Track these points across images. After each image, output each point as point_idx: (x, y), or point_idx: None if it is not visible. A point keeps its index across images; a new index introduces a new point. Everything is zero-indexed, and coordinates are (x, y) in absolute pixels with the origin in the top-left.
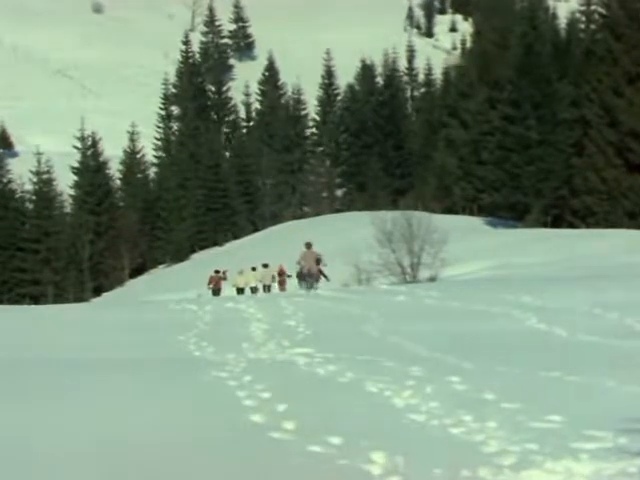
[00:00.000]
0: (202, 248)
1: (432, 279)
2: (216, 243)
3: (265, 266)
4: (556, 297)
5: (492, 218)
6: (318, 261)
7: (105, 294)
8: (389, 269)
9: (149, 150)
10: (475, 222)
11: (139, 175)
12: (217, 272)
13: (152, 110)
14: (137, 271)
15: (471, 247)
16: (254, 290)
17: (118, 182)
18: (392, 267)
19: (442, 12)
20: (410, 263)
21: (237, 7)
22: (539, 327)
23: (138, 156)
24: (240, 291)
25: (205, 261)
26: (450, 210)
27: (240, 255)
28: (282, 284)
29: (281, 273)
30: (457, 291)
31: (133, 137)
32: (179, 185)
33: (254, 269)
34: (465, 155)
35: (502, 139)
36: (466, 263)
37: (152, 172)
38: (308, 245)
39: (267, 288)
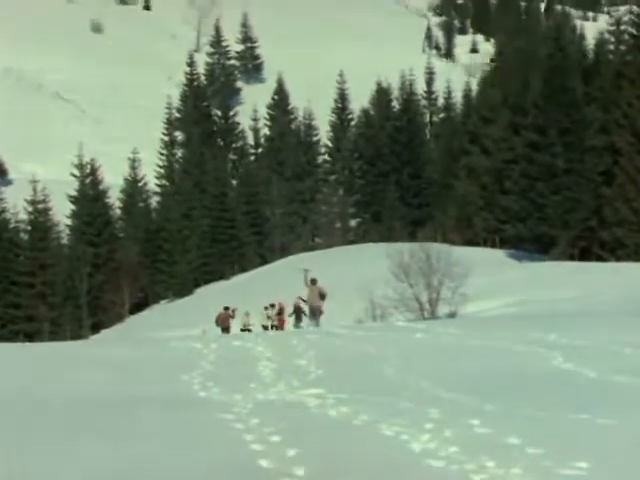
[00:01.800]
0: (207, 282)
1: (452, 315)
2: (222, 277)
3: (269, 307)
4: (584, 334)
5: (516, 251)
6: (322, 296)
7: (104, 331)
8: (406, 305)
9: (151, 178)
10: (498, 255)
11: (140, 204)
12: (226, 309)
13: (154, 136)
14: (138, 307)
15: (493, 281)
16: (264, 328)
17: (118, 212)
18: (409, 302)
19: (462, 32)
20: (428, 298)
21: (245, 27)
22: (566, 366)
23: (139, 184)
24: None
25: (210, 296)
26: (471, 242)
27: (248, 289)
28: (281, 323)
29: (280, 312)
30: (478, 328)
31: (134, 164)
32: (183, 215)
33: (266, 308)
34: (487, 184)
35: (526, 167)
36: (488, 299)
37: (154, 201)
38: (313, 281)
39: (265, 328)
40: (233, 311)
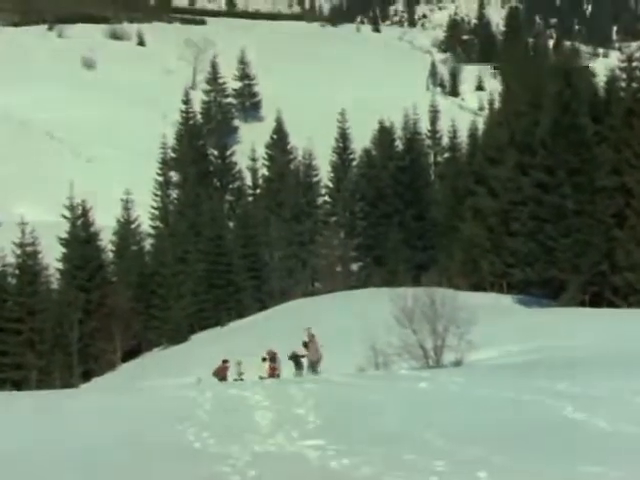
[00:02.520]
0: (203, 328)
1: (457, 363)
2: (218, 323)
3: (269, 359)
4: (595, 384)
5: (524, 296)
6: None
7: (95, 379)
8: (410, 352)
9: (145, 220)
10: (505, 300)
11: (133, 247)
12: (225, 362)
13: (148, 176)
14: (130, 354)
15: (501, 328)
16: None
17: (110, 255)
18: (413, 350)
19: (468, 61)
20: (433, 345)
21: (242, 63)
22: (576, 417)
23: (133, 226)
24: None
25: (206, 343)
26: (477, 287)
27: (245, 336)
28: (273, 372)
29: (273, 358)
30: (485, 377)
31: (127, 205)
32: (178, 259)
33: (264, 359)
34: (494, 226)
35: (535, 208)
36: (495, 346)
37: (148, 244)
38: (312, 336)
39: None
40: (239, 364)
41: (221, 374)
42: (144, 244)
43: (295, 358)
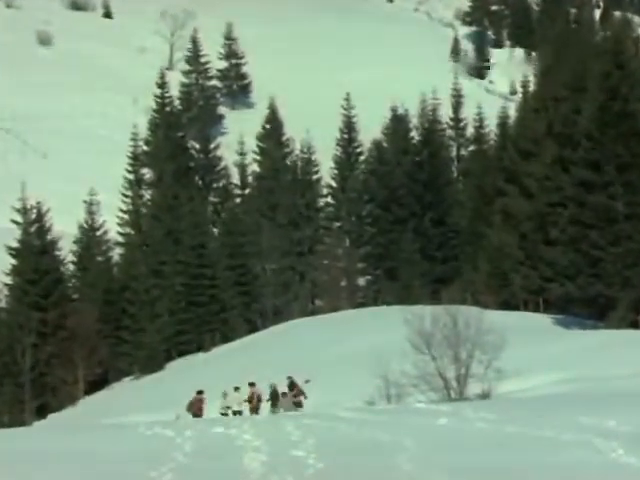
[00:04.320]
0: (182, 354)
1: (485, 396)
2: (200, 348)
3: (252, 385)
4: None
5: (564, 316)
6: (298, 404)
7: (52, 415)
8: (428, 382)
9: (112, 225)
10: (542, 321)
11: (99, 258)
12: (200, 393)
13: (117, 173)
14: (95, 385)
15: (536, 354)
16: (237, 413)
17: (71, 267)
18: (432, 379)
19: (498, 45)
20: (456, 375)
21: (229, 39)
22: (628, 461)
23: (98, 233)
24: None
25: (185, 371)
26: (508, 305)
27: (232, 364)
28: (254, 409)
29: (251, 399)
30: (517, 412)
31: (91, 208)
32: (152, 271)
33: (237, 389)
34: (528, 232)
35: (577, 211)
36: (530, 375)
37: (116, 254)
38: (284, 394)
39: (237, 414)
40: (225, 396)
41: (195, 408)
42: (112, 254)
43: (274, 397)
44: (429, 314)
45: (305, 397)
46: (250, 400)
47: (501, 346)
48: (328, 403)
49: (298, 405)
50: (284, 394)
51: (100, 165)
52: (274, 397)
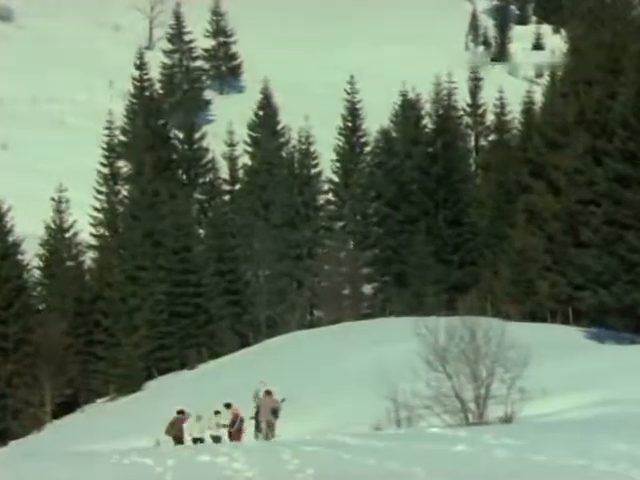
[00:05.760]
0: (163, 372)
1: (507, 420)
2: (185, 365)
3: (228, 406)
4: None
5: (597, 328)
6: (275, 412)
7: (13, 443)
8: (442, 404)
9: (84, 226)
10: (572, 334)
11: (69, 263)
12: (181, 413)
13: (89, 167)
14: (64, 408)
15: (565, 372)
16: (215, 439)
17: (37, 273)
18: (447, 401)
19: (522, 22)
20: (474, 395)
21: (217, 15)
22: None
23: (68, 235)
24: (197, 441)
25: (167, 392)
26: (533, 315)
27: (221, 383)
28: (236, 435)
29: (233, 422)
30: (544, 438)
31: (60, 207)
32: (129, 278)
33: (217, 412)
34: (556, 234)
35: (612, 210)
36: (558, 396)
37: (89, 258)
38: (268, 392)
39: (216, 439)
40: (199, 419)
41: (175, 430)
42: (83, 258)
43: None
44: (444, 326)
45: (276, 415)
46: (232, 424)
47: (525, 363)
48: (329, 427)
49: (275, 414)
50: (268, 392)
51: (69, 157)
52: (257, 420)
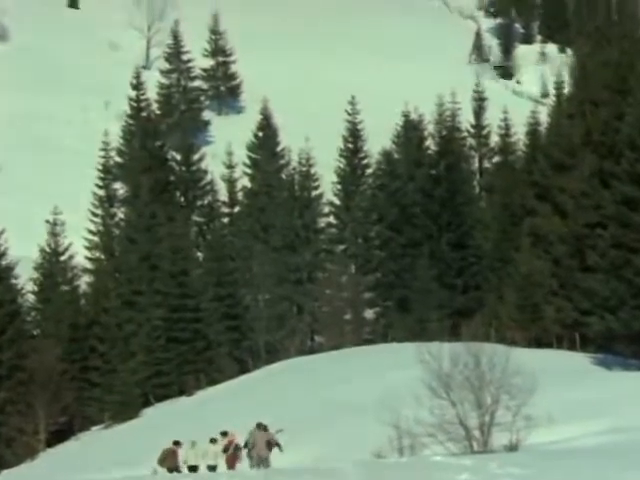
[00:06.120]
0: (161, 399)
1: (512, 448)
2: (183, 391)
3: (224, 434)
4: None
5: (604, 354)
6: (270, 445)
7: (6, 472)
8: (446, 431)
9: (80, 249)
10: (578, 360)
11: (64, 287)
12: (177, 444)
13: (85, 189)
14: (59, 435)
15: (573, 399)
16: (210, 468)
17: (31, 298)
18: (451, 428)
19: (527, 41)
20: (479, 423)
21: (216, 34)
22: None
23: (63, 258)
24: (192, 469)
25: (165, 419)
26: (539, 341)
27: (219, 410)
28: (231, 462)
29: (227, 448)
30: (550, 467)
31: (55, 229)
32: (126, 303)
33: (214, 441)
34: (562, 258)
35: (619, 233)
36: (565, 424)
37: (84, 283)
38: (259, 426)
39: (211, 468)
40: (194, 445)
41: (169, 461)
42: (79, 283)
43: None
44: (447, 352)
45: (280, 449)
46: (226, 450)
47: (531, 390)
48: (330, 454)
49: (270, 447)
50: (259, 425)
51: (65, 179)
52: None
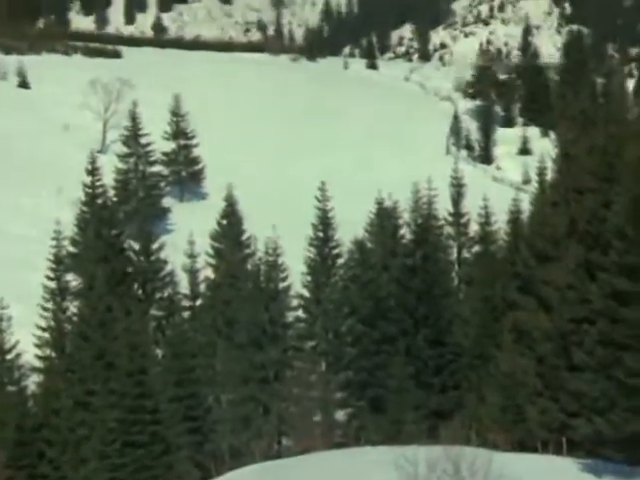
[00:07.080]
0: None
1: None
2: None
3: None
4: None
5: (593, 460)
6: None
7: None
8: None
9: (28, 346)
10: (565, 466)
11: (10, 388)
12: None
13: (34, 281)
14: None
15: None
16: None
17: None
18: None
19: (507, 124)
20: None
21: (177, 115)
22: None
23: (9, 357)
24: None
25: None
26: (523, 445)
27: None
28: None
29: None
30: None
31: (1, 326)
32: (78, 404)
33: None
34: (547, 355)
35: (608, 329)
36: None
37: (32, 382)
38: None
39: None
40: None
41: None
42: (26, 382)
43: None
44: (424, 457)
45: None
46: None
47: None
48: None
49: None
50: None
51: (12, 270)
52: None
